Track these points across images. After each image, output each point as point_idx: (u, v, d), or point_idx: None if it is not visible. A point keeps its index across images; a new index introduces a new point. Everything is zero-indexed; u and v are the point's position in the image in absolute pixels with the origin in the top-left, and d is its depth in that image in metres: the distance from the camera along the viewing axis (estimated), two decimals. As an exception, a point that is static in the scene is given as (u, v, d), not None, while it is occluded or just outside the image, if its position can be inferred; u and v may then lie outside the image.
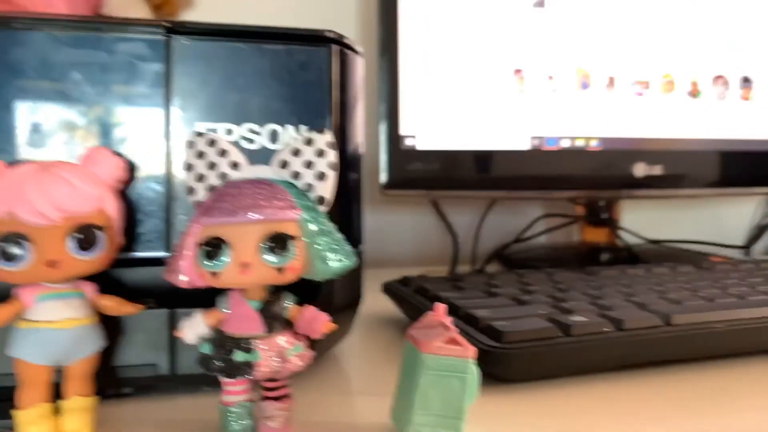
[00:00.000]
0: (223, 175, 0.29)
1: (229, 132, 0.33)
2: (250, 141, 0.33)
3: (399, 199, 0.79)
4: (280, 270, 0.26)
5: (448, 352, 0.27)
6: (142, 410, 0.32)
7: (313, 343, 0.29)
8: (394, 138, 0.63)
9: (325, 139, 0.28)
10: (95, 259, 0.27)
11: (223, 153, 0.29)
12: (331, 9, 0.79)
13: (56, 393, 0.28)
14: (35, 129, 0.30)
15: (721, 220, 0.92)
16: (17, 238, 0.25)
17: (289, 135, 0.33)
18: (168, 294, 0.32)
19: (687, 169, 0.72)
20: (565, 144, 0.69)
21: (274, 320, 0.28)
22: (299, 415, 0.30)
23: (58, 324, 0.27)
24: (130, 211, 0.31)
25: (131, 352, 0.32)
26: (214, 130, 0.32)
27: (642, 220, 0.85)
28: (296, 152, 0.28)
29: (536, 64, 0.68)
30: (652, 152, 0.71)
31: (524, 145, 0.67)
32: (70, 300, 0.27)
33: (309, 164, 0.28)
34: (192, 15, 0.64)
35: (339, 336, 0.39)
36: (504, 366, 0.34)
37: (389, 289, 0.50)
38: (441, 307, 0.29)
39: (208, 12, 0.68)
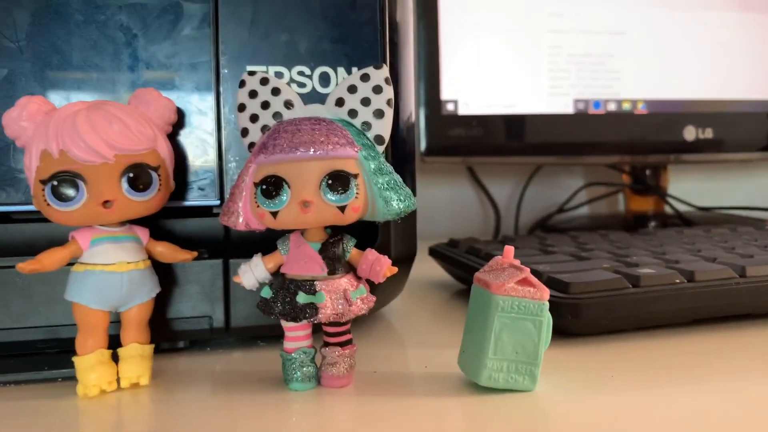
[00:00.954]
0: (277, 115, 0.27)
1: (280, 75, 0.31)
2: (301, 85, 0.32)
3: (435, 170, 0.77)
4: (341, 209, 0.25)
5: (523, 294, 0.26)
6: (197, 363, 0.31)
7: (372, 292, 0.28)
8: (435, 103, 0.62)
9: (382, 74, 0.27)
10: (149, 200, 0.26)
11: (276, 91, 0.27)
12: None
13: (116, 343, 0.27)
14: (82, 72, 0.29)
15: (770, 187, 0.88)
16: (71, 176, 0.24)
17: (341, 77, 0.32)
18: (220, 244, 0.32)
19: (738, 133, 0.69)
20: (612, 107, 0.66)
21: (335, 262, 0.26)
22: (359, 365, 0.29)
23: (113, 267, 0.26)
24: (181, 157, 0.30)
25: (185, 304, 0.31)
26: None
27: (689, 188, 0.82)
28: (352, 89, 0.27)
29: (579, 23, 0.65)
30: (701, 115, 0.68)
31: (568, 108, 0.65)
32: (125, 243, 0.26)
33: (366, 101, 0.27)
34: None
35: (394, 291, 0.38)
36: (572, 318, 0.32)
37: (436, 252, 0.49)
38: (510, 249, 0.27)
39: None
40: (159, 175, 0.27)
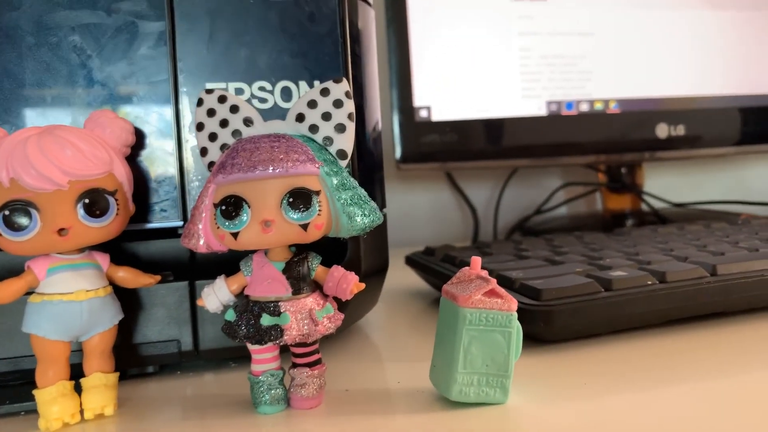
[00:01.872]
0: (237, 133, 0.27)
1: (240, 91, 0.31)
2: (263, 100, 0.31)
3: (413, 176, 0.77)
4: (304, 227, 0.25)
5: (490, 306, 0.25)
6: (167, 387, 0.30)
7: (341, 309, 0.28)
8: (408, 110, 0.61)
9: (342, 88, 0.27)
10: (107, 225, 0.26)
11: (234, 109, 0.27)
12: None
13: (78, 373, 0.26)
14: (35, 95, 0.29)
15: (744, 179, 0.89)
16: (23, 205, 0.24)
17: (303, 92, 0.31)
18: (185, 266, 0.31)
19: (710, 128, 0.69)
20: (584, 108, 0.67)
21: (300, 281, 0.26)
22: (330, 384, 0.28)
23: (71, 296, 0.25)
24: (141, 179, 0.30)
25: (152, 328, 0.30)
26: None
27: (665, 185, 0.83)
28: (312, 104, 0.27)
29: (549, 25, 0.65)
30: (673, 112, 0.68)
31: (541, 110, 0.65)
32: (84, 271, 0.26)
33: (327, 116, 0.26)
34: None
35: (367, 305, 0.37)
36: (544, 325, 0.32)
37: (412, 260, 0.48)
38: (477, 260, 0.27)
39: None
40: (117, 199, 0.26)
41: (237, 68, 0.31)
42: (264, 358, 0.26)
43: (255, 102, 0.31)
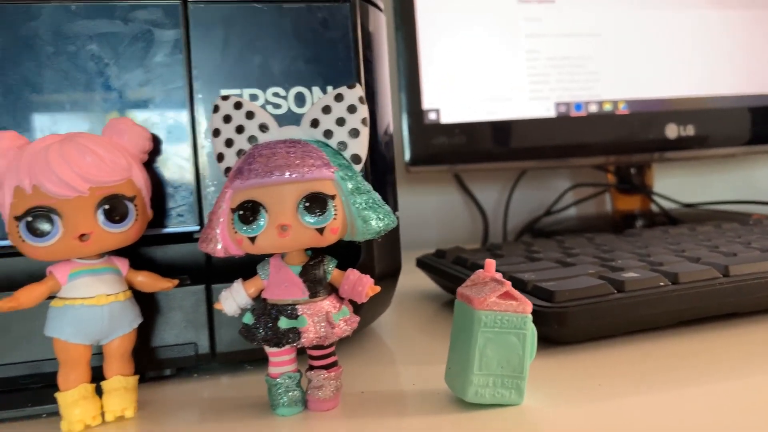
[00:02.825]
0: (252, 138, 0.27)
1: (255, 98, 0.31)
2: (277, 106, 0.31)
3: (422, 178, 0.78)
4: (320, 231, 0.25)
5: (505, 308, 0.26)
6: (184, 390, 0.31)
7: (355, 312, 0.28)
8: (417, 113, 0.62)
9: (356, 94, 0.27)
10: (126, 230, 0.26)
11: (250, 115, 0.27)
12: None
13: (99, 375, 0.27)
14: (54, 103, 0.29)
15: (754, 179, 0.89)
16: (45, 211, 0.24)
17: (317, 97, 0.32)
18: (202, 270, 0.31)
19: (720, 128, 0.69)
20: (593, 109, 0.67)
21: (317, 284, 0.26)
22: (346, 386, 0.28)
23: (92, 300, 0.26)
24: (158, 185, 0.30)
25: (169, 331, 0.31)
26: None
27: (675, 185, 0.82)
28: (327, 109, 0.27)
29: (556, 26, 0.65)
30: (682, 112, 0.68)
31: (550, 112, 0.65)
32: (104, 275, 0.26)
33: (341, 121, 0.27)
34: None
35: (380, 308, 0.38)
36: (558, 326, 0.32)
37: (423, 263, 0.49)
38: (491, 263, 0.27)
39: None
40: (135, 205, 0.26)
41: (251, 75, 0.31)
42: (281, 360, 0.26)
43: (269, 107, 0.31)
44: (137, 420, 0.27)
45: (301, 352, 0.27)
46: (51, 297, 0.26)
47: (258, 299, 0.27)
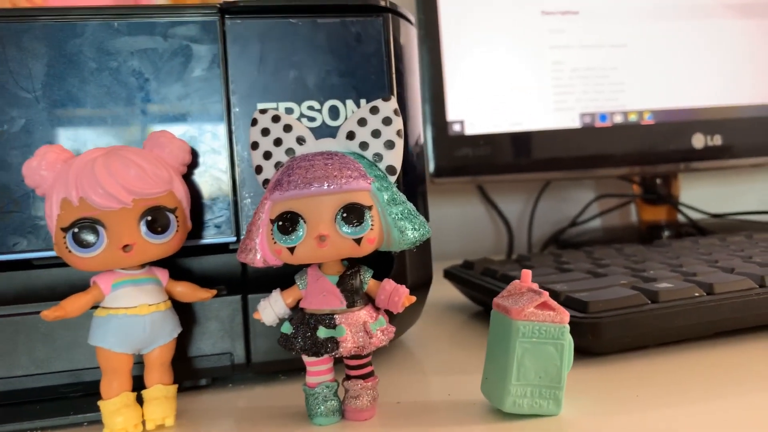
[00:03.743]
0: (290, 151, 0.28)
1: (290, 111, 0.32)
2: (311, 119, 0.32)
3: (445, 190, 0.78)
4: (357, 241, 0.25)
5: (543, 318, 0.26)
6: (221, 400, 0.31)
7: (390, 322, 0.28)
8: (441, 124, 0.62)
9: (390, 106, 0.27)
10: (168, 242, 0.27)
11: (288, 128, 0.28)
12: None
13: (139, 384, 0.27)
14: (97, 118, 0.30)
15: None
16: (91, 223, 0.25)
17: (350, 110, 0.32)
18: (238, 280, 0.32)
19: (747, 138, 0.69)
20: (618, 119, 0.66)
21: (354, 294, 0.26)
22: (381, 396, 0.28)
23: (134, 310, 0.26)
24: (197, 196, 0.31)
25: (206, 341, 0.31)
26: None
27: (701, 196, 0.81)
28: (362, 122, 0.27)
29: (580, 38, 0.65)
30: (709, 122, 0.67)
31: (575, 123, 0.65)
32: (145, 286, 0.27)
33: (376, 133, 0.27)
34: None
35: (411, 319, 0.38)
36: (592, 337, 0.32)
37: (451, 274, 0.49)
38: (528, 273, 0.27)
39: None
40: (176, 216, 0.27)
41: (287, 88, 0.32)
42: (319, 370, 0.27)
43: (304, 120, 0.32)
44: (176, 429, 0.28)
45: (337, 362, 0.27)
46: (94, 306, 0.27)
47: (295, 309, 0.27)
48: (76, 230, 0.25)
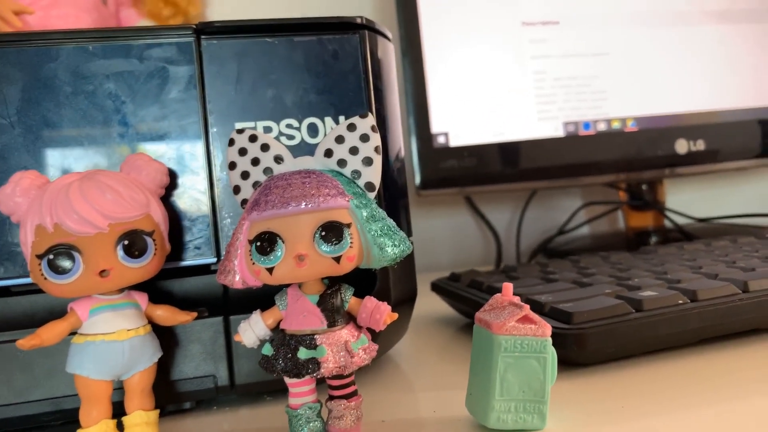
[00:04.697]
0: (268, 170, 0.28)
1: (269, 129, 0.32)
2: (290, 137, 0.32)
3: (433, 202, 0.78)
4: (336, 259, 0.25)
5: (524, 332, 0.25)
6: (205, 423, 0.31)
7: (372, 339, 0.28)
8: (426, 136, 0.62)
9: (368, 123, 0.27)
10: (146, 265, 0.26)
11: (265, 147, 0.28)
12: (344, 5, 0.70)
13: (120, 410, 0.27)
14: (73, 141, 0.30)
15: (766, 192, 0.88)
16: (66, 249, 0.25)
17: (329, 127, 0.32)
18: (219, 301, 0.32)
19: (730, 142, 0.69)
20: (602, 127, 0.67)
21: (334, 313, 0.26)
22: (366, 415, 0.28)
23: (113, 336, 0.26)
24: (175, 218, 0.30)
25: (188, 364, 0.31)
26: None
27: (687, 201, 0.82)
28: (340, 139, 0.27)
29: (562, 47, 0.66)
30: (691, 127, 0.68)
31: (558, 132, 0.65)
32: (124, 310, 0.26)
33: (354, 150, 0.27)
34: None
35: (397, 335, 0.38)
36: (577, 348, 0.32)
37: (438, 287, 0.49)
38: (509, 286, 0.27)
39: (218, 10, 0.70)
40: (154, 240, 0.27)
41: (265, 107, 0.32)
42: (301, 391, 0.26)
43: (283, 139, 0.32)
44: (159, 455, 0.27)
45: (320, 382, 0.27)
46: (72, 333, 0.26)
47: (276, 330, 0.27)
48: (51, 257, 0.25)
